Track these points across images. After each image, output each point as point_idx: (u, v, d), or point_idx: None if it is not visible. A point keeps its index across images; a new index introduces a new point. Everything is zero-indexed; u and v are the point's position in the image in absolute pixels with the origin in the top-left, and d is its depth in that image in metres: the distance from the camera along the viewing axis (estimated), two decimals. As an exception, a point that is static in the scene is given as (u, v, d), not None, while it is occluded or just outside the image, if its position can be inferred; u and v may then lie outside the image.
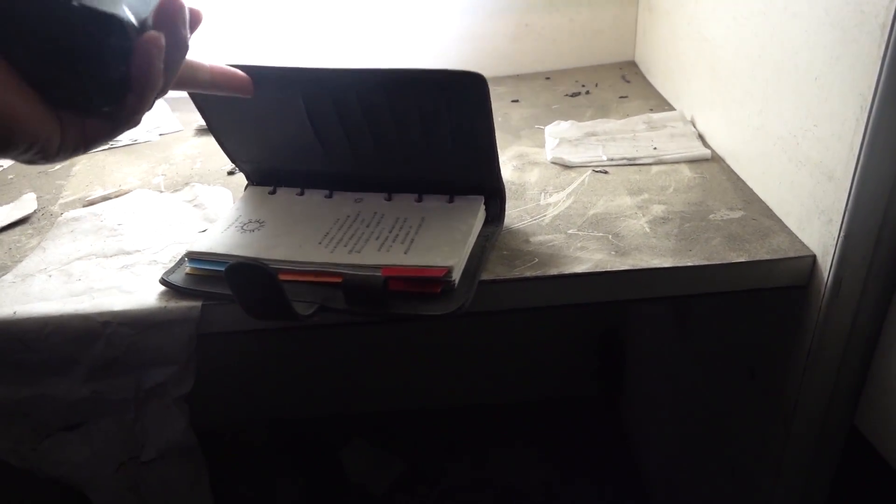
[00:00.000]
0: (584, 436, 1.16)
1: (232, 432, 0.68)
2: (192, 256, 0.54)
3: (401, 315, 0.50)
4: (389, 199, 0.59)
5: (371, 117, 0.54)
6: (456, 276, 0.51)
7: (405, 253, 0.53)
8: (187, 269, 0.54)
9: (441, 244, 0.53)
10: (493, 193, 0.58)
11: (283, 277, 0.51)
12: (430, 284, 0.50)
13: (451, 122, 0.53)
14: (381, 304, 0.50)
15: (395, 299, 0.50)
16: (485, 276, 0.52)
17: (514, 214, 0.60)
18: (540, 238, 0.57)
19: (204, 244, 0.55)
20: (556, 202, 0.62)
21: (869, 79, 0.45)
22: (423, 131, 0.54)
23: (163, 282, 0.53)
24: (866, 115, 0.46)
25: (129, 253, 0.59)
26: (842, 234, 0.49)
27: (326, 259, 0.53)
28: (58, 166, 0.76)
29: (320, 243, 0.55)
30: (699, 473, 0.80)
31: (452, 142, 0.54)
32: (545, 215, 0.60)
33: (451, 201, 0.58)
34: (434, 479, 1.10)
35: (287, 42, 0.91)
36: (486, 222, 0.57)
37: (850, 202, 0.48)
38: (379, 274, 0.50)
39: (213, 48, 0.73)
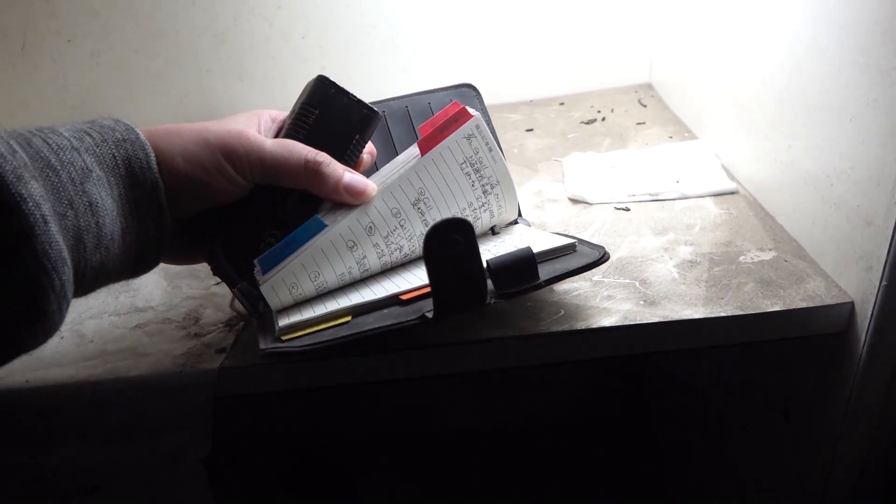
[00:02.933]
0: (609, 459, 1.14)
1: (247, 465, 0.67)
2: (285, 331, 0.47)
3: (558, 277, 0.48)
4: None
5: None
6: None
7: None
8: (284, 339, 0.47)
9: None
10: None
11: (404, 298, 0.49)
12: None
13: None
14: (535, 275, 0.47)
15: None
16: (510, 332, 0.51)
17: (537, 260, 0.58)
18: (564, 287, 0.55)
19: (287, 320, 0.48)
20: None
21: (910, 125, 0.43)
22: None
23: (270, 354, 0.46)
24: (908, 162, 0.44)
25: (142, 310, 0.57)
26: (883, 282, 0.47)
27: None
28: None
29: (380, 259, 0.52)
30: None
31: None
32: (568, 259, 0.58)
33: None
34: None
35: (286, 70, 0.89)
36: None
37: (891, 250, 0.46)
38: (525, 247, 0.48)
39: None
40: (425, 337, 0.51)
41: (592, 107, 0.88)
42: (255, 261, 0.49)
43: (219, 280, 0.60)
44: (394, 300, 0.49)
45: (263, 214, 0.50)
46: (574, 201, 0.67)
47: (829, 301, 0.51)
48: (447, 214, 0.53)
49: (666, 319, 0.51)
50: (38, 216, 0.35)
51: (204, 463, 0.53)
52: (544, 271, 0.49)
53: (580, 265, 0.49)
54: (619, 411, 0.94)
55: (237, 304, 0.57)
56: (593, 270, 0.56)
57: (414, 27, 0.89)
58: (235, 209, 0.49)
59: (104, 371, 0.51)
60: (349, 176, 0.50)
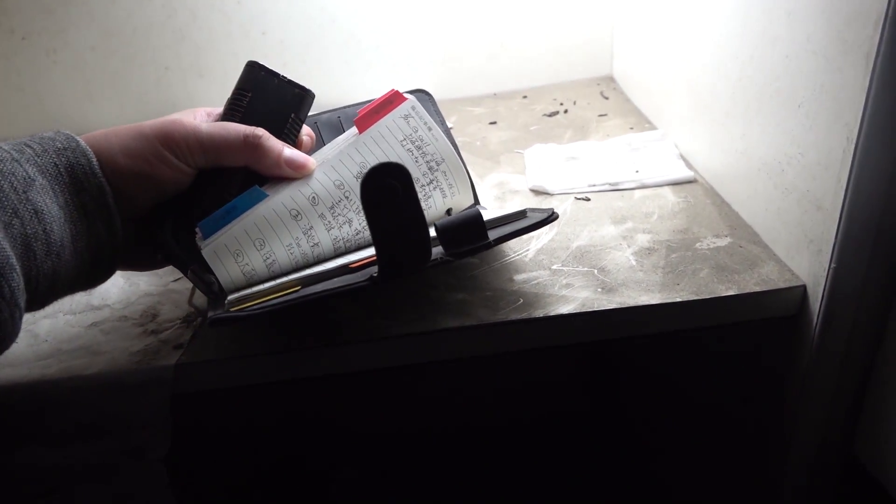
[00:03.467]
0: (582, 451, 1.14)
1: (207, 472, 0.66)
2: (234, 303, 0.47)
3: (507, 235, 0.49)
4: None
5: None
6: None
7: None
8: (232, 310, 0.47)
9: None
10: None
11: (353, 266, 0.49)
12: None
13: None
14: (483, 235, 0.48)
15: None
16: (467, 322, 0.51)
17: (497, 250, 0.58)
18: (524, 276, 0.55)
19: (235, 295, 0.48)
20: (539, 235, 0.60)
21: (854, 109, 0.44)
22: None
23: (216, 321, 0.46)
24: (853, 145, 0.45)
25: (98, 308, 0.56)
26: (832, 264, 0.48)
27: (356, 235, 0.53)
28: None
29: (328, 231, 0.52)
30: (698, 502, 0.79)
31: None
32: (528, 249, 0.58)
33: None
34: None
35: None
36: None
37: (839, 233, 0.47)
38: (474, 207, 0.50)
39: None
40: (384, 329, 0.51)
41: (555, 100, 0.89)
42: (197, 226, 0.49)
43: (177, 277, 0.59)
44: (343, 269, 0.49)
45: (209, 198, 0.50)
46: (535, 192, 0.68)
47: (781, 285, 0.52)
48: None
49: (623, 306, 0.51)
50: None
51: (163, 461, 0.52)
52: (495, 234, 0.49)
53: (529, 224, 0.50)
54: (591, 402, 0.95)
55: (195, 300, 0.56)
56: (551, 258, 0.57)
57: (375, 22, 0.88)
58: (182, 198, 0.49)
59: (59, 370, 0.50)
60: (289, 150, 0.51)
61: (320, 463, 0.76)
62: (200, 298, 0.56)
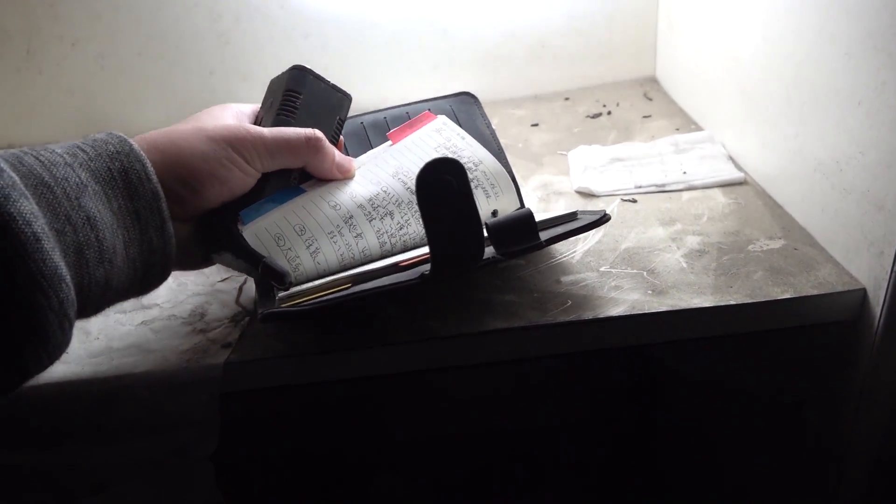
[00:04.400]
0: (617, 460, 1.13)
1: (255, 470, 0.66)
2: (284, 300, 0.48)
3: (559, 236, 0.49)
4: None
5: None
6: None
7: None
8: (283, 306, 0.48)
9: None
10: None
11: (403, 265, 0.49)
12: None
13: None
14: (535, 236, 0.48)
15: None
16: (516, 323, 0.50)
17: (543, 252, 0.58)
18: (571, 277, 0.54)
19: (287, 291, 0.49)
20: (587, 237, 0.59)
21: (920, 106, 0.42)
22: None
23: (268, 316, 0.46)
24: (918, 144, 0.43)
25: (147, 307, 0.57)
26: (895, 267, 0.47)
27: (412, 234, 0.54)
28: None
29: (370, 222, 0.53)
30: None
31: None
32: (575, 251, 0.58)
33: None
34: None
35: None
36: None
37: (903, 234, 0.46)
38: (524, 208, 0.51)
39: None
40: (431, 330, 0.50)
41: (598, 101, 0.88)
42: (239, 213, 0.49)
43: (225, 277, 0.60)
44: (394, 268, 0.49)
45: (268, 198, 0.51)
46: (580, 194, 0.67)
47: (839, 288, 0.50)
48: None
49: (674, 308, 0.50)
50: (28, 234, 0.34)
51: (211, 459, 0.53)
52: (546, 235, 0.49)
53: (581, 225, 0.49)
54: (638, 407, 0.93)
55: (242, 299, 0.56)
56: (599, 260, 0.56)
57: (417, 24, 0.88)
58: (241, 200, 0.49)
59: (110, 368, 0.51)
60: (339, 154, 0.53)
61: (363, 464, 0.76)
62: (247, 298, 0.57)
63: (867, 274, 0.49)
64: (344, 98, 0.55)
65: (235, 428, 0.52)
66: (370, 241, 0.52)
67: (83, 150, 0.41)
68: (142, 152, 0.43)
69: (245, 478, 0.58)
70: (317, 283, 0.49)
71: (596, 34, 0.90)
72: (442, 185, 0.43)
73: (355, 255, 0.52)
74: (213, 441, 0.52)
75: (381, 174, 0.54)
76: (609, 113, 0.85)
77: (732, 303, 0.50)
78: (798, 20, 0.55)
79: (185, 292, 0.58)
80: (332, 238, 0.51)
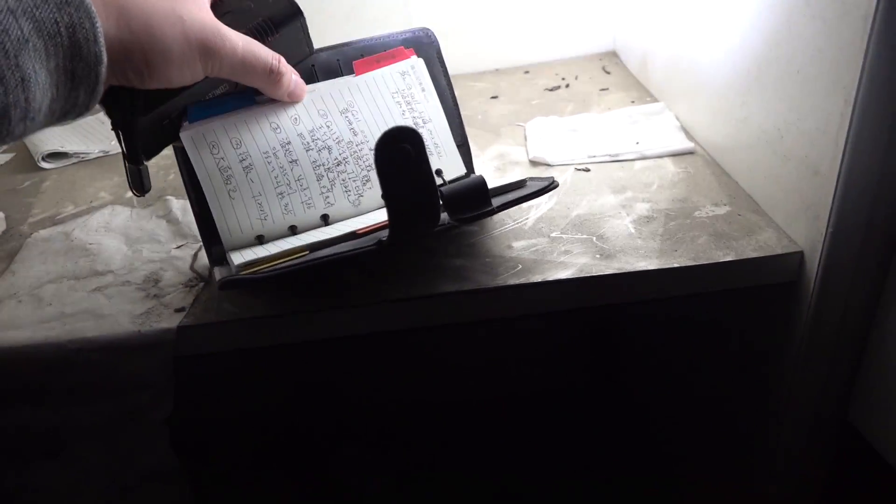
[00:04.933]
0: (580, 427, 1.15)
1: (210, 433, 0.67)
2: (242, 268, 0.49)
3: (510, 202, 0.50)
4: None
5: None
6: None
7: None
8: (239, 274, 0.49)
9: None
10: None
11: (361, 232, 0.50)
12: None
13: None
14: (487, 202, 0.49)
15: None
16: (467, 286, 0.51)
17: (496, 219, 0.59)
18: (522, 243, 0.56)
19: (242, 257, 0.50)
20: (539, 204, 0.60)
21: (852, 72, 0.44)
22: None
23: (227, 283, 0.48)
24: (850, 109, 0.45)
25: (101, 274, 0.57)
26: (829, 229, 0.49)
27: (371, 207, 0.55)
28: (27, 183, 0.74)
29: (306, 151, 0.54)
30: (697, 467, 0.80)
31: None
32: (527, 218, 0.59)
33: None
34: (429, 476, 1.09)
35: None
36: None
37: (836, 198, 0.47)
38: (474, 174, 0.52)
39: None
40: (385, 293, 0.51)
41: (557, 74, 0.89)
42: (188, 106, 0.50)
43: (180, 244, 0.60)
44: (351, 236, 0.50)
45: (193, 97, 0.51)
46: (535, 163, 0.68)
47: (779, 251, 0.52)
48: (375, 130, 0.55)
49: (621, 271, 0.51)
50: None
51: (167, 422, 0.53)
52: (497, 202, 0.50)
53: (531, 192, 0.50)
54: (589, 370, 0.95)
55: (197, 265, 0.57)
56: (550, 226, 0.57)
57: (378, -3, 0.88)
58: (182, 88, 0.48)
59: (62, 332, 0.51)
60: (296, 81, 0.53)
61: (321, 430, 0.77)
62: (202, 265, 0.57)
63: (804, 237, 0.51)
64: (310, 54, 0.55)
65: (191, 391, 0.53)
66: (306, 170, 0.53)
67: None
68: (92, 7, 0.39)
69: (201, 441, 0.59)
70: (274, 251, 0.49)
71: (556, 8, 0.91)
72: (399, 152, 0.44)
73: (290, 181, 0.53)
74: (169, 404, 0.53)
75: (331, 107, 0.55)
76: (567, 86, 0.85)
77: (676, 265, 0.51)
78: (744, -9, 0.57)
79: (139, 259, 0.58)
80: (266, 158, 0.52)
